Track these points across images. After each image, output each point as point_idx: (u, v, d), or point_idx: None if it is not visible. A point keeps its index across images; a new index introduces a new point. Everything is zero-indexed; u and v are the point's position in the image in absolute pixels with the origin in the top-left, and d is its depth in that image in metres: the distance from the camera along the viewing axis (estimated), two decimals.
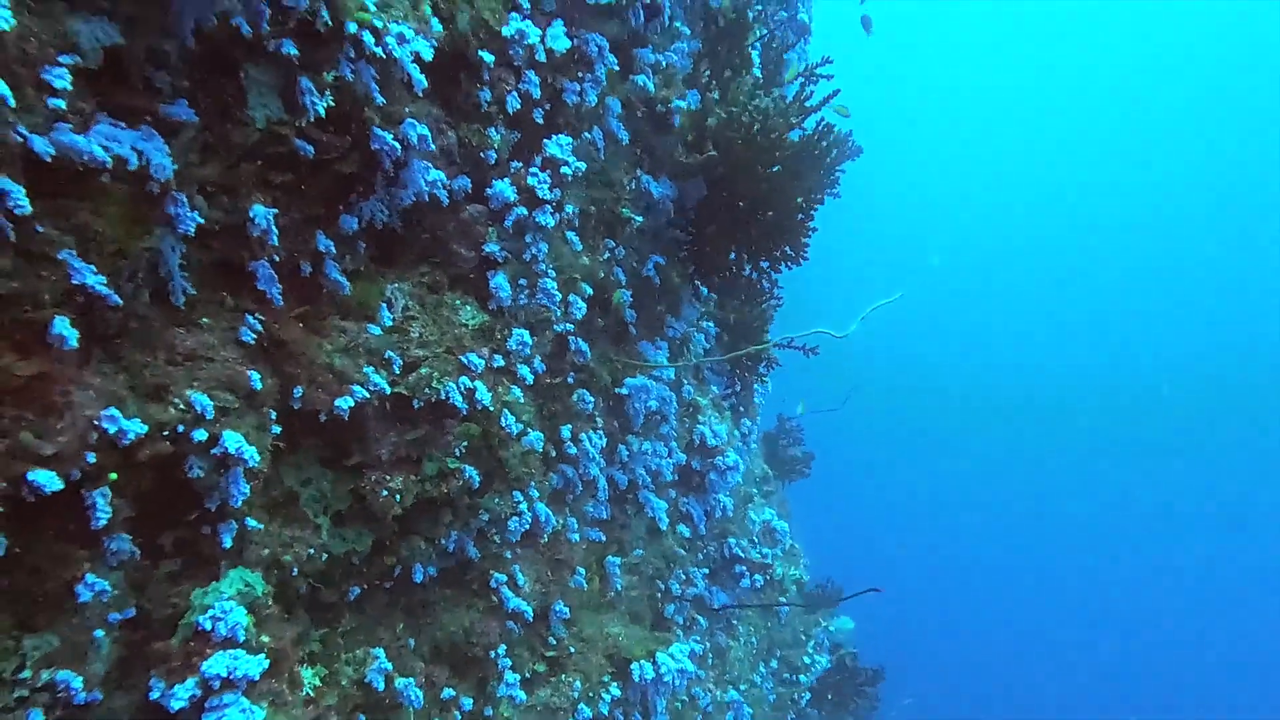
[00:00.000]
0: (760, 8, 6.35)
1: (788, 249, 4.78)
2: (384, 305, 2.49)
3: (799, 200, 4.49)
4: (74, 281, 1.44)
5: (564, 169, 2.86)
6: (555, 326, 3.29)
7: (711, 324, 5.91)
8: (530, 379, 3.07)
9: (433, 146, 2.32)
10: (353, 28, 1.90)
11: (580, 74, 3.01)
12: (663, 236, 4.82)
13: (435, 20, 2.30)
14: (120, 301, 1.53)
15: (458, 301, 2.92)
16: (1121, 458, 31.44)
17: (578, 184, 3.75)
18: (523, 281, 2.99)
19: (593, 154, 3.63)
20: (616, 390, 4.42)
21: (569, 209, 3.16)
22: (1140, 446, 31.64)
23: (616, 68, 3.47)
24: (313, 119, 1.94)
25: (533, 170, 2.83)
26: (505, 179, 2.81)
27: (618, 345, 4.56)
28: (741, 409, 7.08)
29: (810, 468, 10.06)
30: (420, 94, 2.17)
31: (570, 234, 3.34)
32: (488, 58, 2.56)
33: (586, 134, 3.38)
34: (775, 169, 4.35)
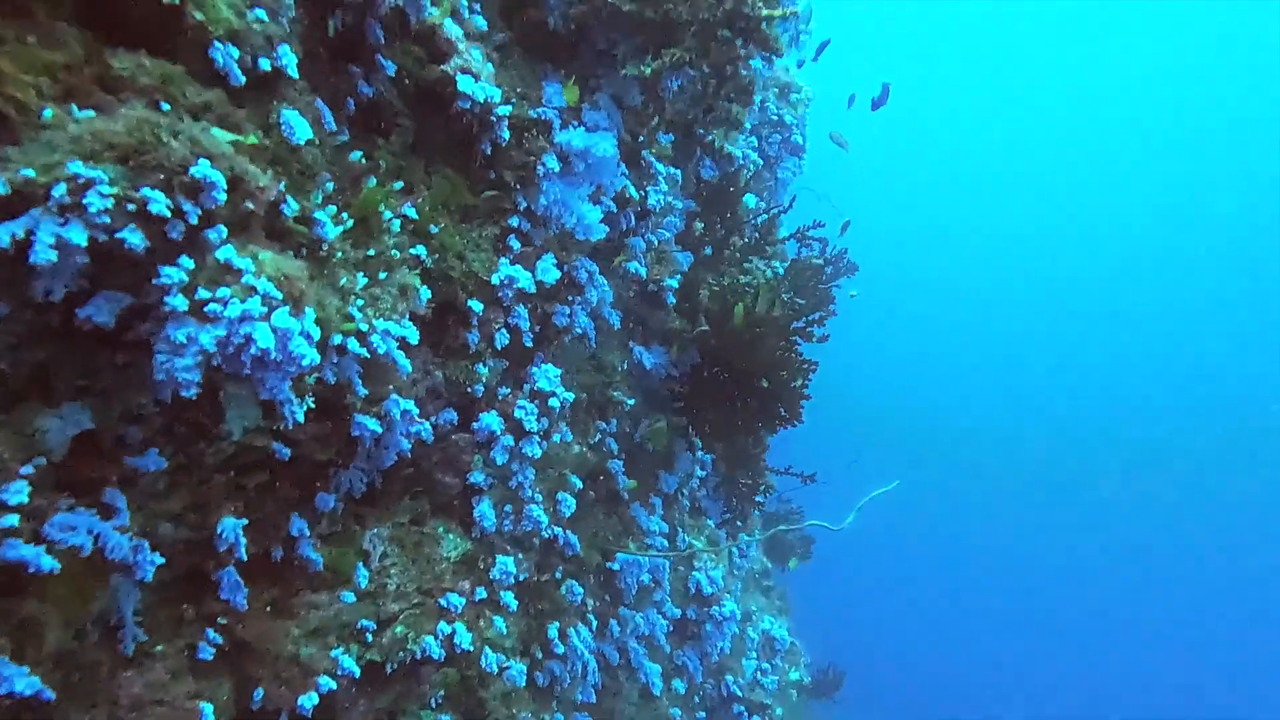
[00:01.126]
0: (755, 161, 6.58)
1: (783, 411, 4.73)
2: (360, 564, 2.39)
3: (794, 369, 4.47)
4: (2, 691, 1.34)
5: (552, 401, 2.83)
6: (543, 533, 3.19)
7: (708, 454, 5.80)
8: (514, 605, 2.93)
9: (416, 415, 2.27)
10: (338, 339, 1.88)
11: (570, 298, 3.03)
12: (656, 394, 4.78)
13: (424, 289, 2.31)
14: (54, 696, 1.43)
15: (441, 529, 2.82)
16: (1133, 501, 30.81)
17: (569, 372, 3.73)
18: (508, 508, 2.90)
19: (584, 345, 3.63)
20: (608, 565, 4.26)
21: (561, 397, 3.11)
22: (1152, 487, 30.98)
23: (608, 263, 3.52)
24: (291, 426, 1.89)
25: (520, 403, 2.79)
26: (492, 410, 2.77)
27: (610, 510, 4.44)
28: (739, 523, 6.90)
29: (811, 552, 9.90)
30: (407, 374, 2.14)
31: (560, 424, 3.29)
32: (477, 306, 2.57)
33: (577, 329, 3.38)
34: (768, 338, 4.35)
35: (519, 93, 2.68)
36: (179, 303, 1.33)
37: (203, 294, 1.35)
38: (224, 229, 1.40)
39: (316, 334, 1.61)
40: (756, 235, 4.98)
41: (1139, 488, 30.85)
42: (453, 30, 2.29)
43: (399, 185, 2.31)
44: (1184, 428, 33.00)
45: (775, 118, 8.14)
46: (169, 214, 1.30)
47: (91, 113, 1.35)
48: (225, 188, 1.36)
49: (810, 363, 4.45)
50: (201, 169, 1.32)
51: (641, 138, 3.13)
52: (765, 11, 2.28)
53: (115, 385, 1.49)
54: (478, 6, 2.53)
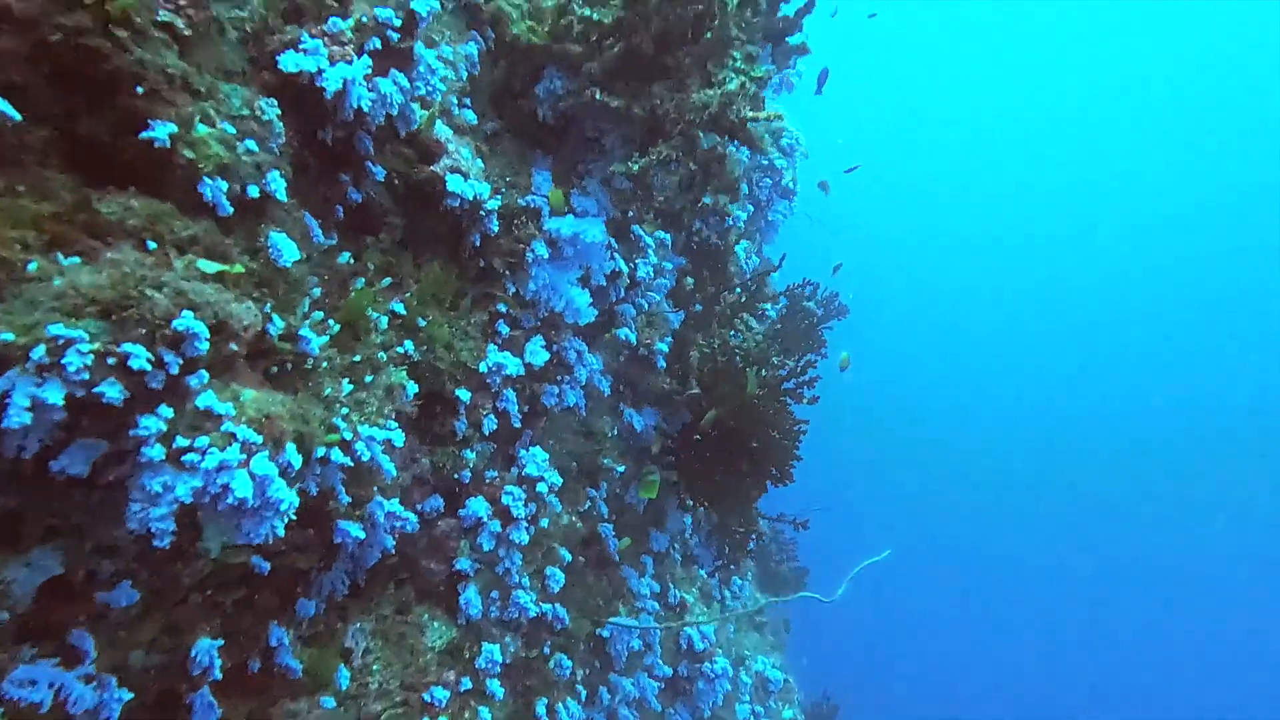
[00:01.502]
0: (743, 218, 6.65)
1: (774, 470, 4.71)
2: (341, 665, 2.33)
3: (785, 430, 4.47)
4: None
5: (540, 486, 2.80)
6: (531, 612, 3.13)
7: (700, 509, 5.75)
8: (501, 693, 2.87)
9: (401, 513, 2.24)
10: (321, 451, 1.86)
11: (560, 377, 3.02)
12: (648, 450, 4.76)
13: (411, 385, 2.30)
14: None
15: (425, 616, 2.77)
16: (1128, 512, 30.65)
17: (557, 438, 3.71)
18: (495, 594, 2.86)
19: (574, 415, 3.62)
20: (598, 631, 4.19)
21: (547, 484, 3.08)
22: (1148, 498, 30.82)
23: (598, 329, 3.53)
24: (270, 541, 1.86)
25: (508, 489, 2.77)
26: (479, 496, 2.74)
27: (600, 572, 4.38)
28: (732, 566, 6.83)
29: (806, 582, 9.83)
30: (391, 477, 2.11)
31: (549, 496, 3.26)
32: (464, 395, 2.56)
33: (568, 401, 3.37)
34: (759, 399, 4.35)
35: (508, 181, 2.71)
36: (156, 453, 1.31)
37: (181, 442, 1.33)
38: (205, 374, 1.39)
39: (297, 464, 1.60)
40: (747, 293, 5.01)
41: (1140, 505, 30.76)
42: (442, 131, 2.31)
43: (387, 282, 2.32)
44: (1182, 433, 32.84)
45: (766, 162, 8.26)
46: (150, 367, 1.29)
47: (78, 259, 1.35)
48: (208, 336, 1.35)
49: (800, 423, 4.45)
50: (184, 321, 1.32)
51: (631, 212, 3.16)
52: (750, 114, 2.32)
53: (88, 522, 1.47)
54: (468, 101, 2.57)
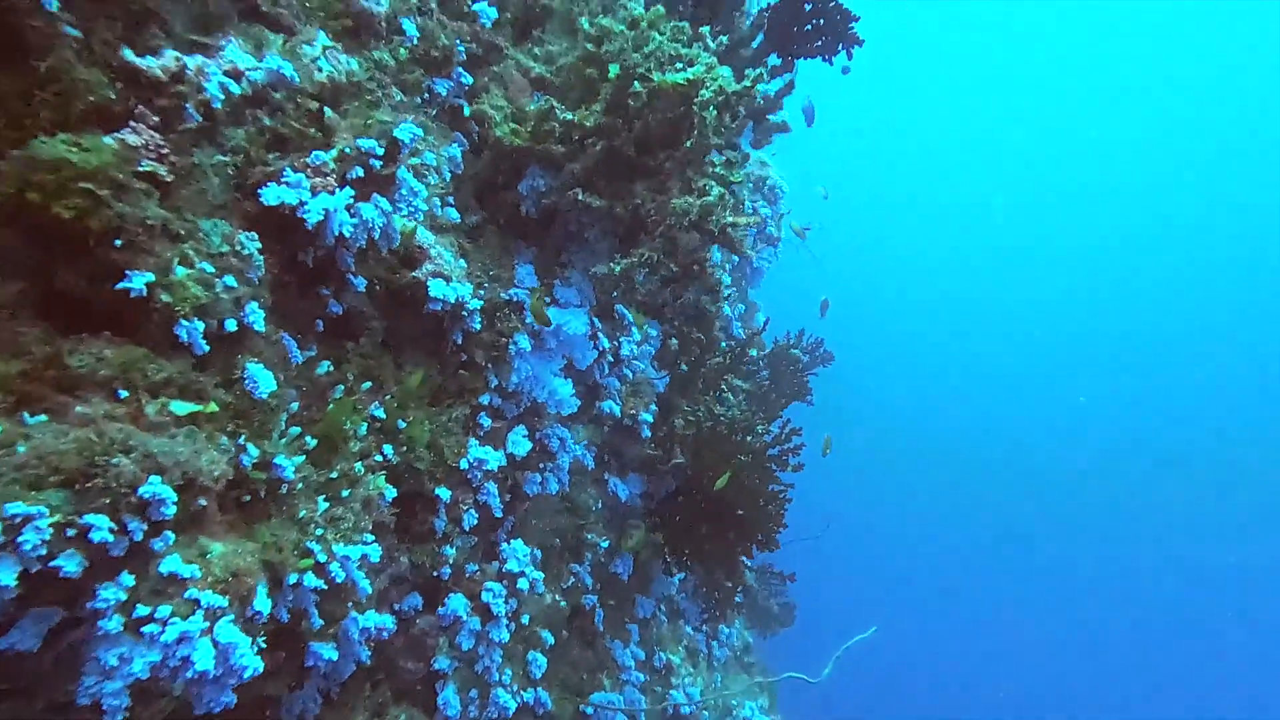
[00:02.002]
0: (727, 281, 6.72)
1: (760, 536, 4.68)
2: None
3: (769, 496, 4.45)
4: None
5: (521, 582, 2.76)
6: (511, 710, 3.05)
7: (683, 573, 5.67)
8: None
9: (381, 626, 2.19)
10: (293, 578, 1.82)
11: (542, 465, 3.00)
12: (635, 511, 4.71)
13: (390, 489, 2.27)
14: None
15: (403, 718, 2.69)
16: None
17: (540, 517, 3.66)
18: (474, 693, 2.78)
19: (557, 496, 3.58)
20: (582, 708, 4.09)
21: (527, 562, 3.03)
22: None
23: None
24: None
25: (489, 585, 2.72)
26: (458, 593, 2.69)
27: (585, 644, 4.30)
28: (720, 614, 6.73)
29: (794, 617, 9.71)
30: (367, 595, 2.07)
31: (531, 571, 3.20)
32: (444, 494, 2.53)
33: (550, 488, 3.33)
34: (744, 465, 4.34)
35: (491, 274, 2.72)
36: (114, 625, 1.27)
37: (141, 611, 1.30)
38: (171, 535, 1.36)
39: (267, 609, 1.56)
40: (732, 356, 5.04)
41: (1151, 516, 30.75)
42: (424, 237, 2.33)
43: (367, 386, 2.30)
44: (1187, 439, 32.98)
45: (750, 210, 8.39)
46: (112, 538, 1.26)
47: (45, 417, 1.33)
48: (175, 500, 1.33)
49: (786, 489, 4.44)
50: (151, 487, 1.29)
51: (615, 294, 3.18)
52: (731, 219, 2.37)
53: (40, 684, 1.41)
54: (451, 199, 2.59)
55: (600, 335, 3.45)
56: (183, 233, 1.57)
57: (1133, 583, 28.99)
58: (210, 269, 1.60)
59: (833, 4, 3.71)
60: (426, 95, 2.46)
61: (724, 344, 5.03)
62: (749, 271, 8.72)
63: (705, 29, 2.43)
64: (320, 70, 1.94)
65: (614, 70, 2.36)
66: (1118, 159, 38.60)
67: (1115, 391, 35.06)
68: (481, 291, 2.64)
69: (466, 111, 2.59)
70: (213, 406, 1.59)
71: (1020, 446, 33.29)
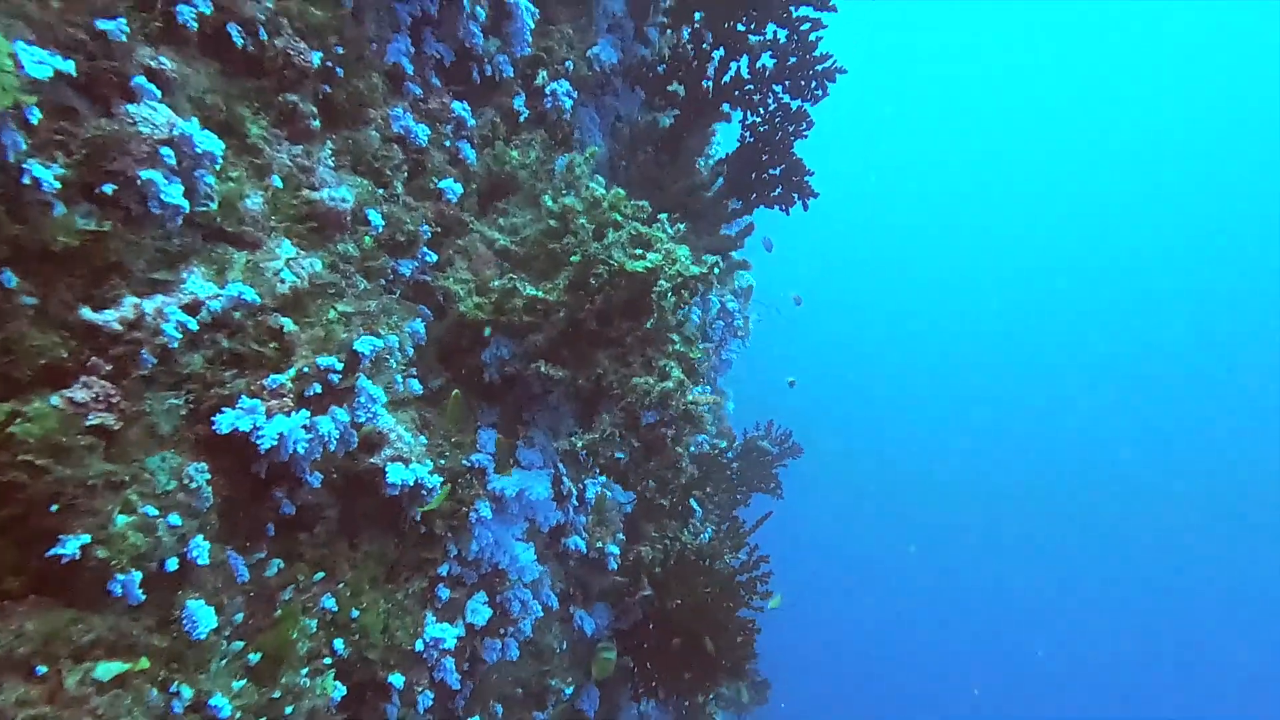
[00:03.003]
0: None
1: (728, 665, 4.55)
2: None
3: (738, 625, 4.37)
4: None
5: None
6: None
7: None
8: None
9: None
10: None
11: (503, 629, 2.91)
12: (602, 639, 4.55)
13: (339, 686, 2.16)
14: None
15: None
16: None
17: (501, 672, 3.51)
18: None
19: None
20: None
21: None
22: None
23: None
24: None
25: None
26: None
27: None
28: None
29: (768, 696, 9.38)
30: None
31: None
32: (398, 681, 2.42)
33: (511, 654, 3.20)
34: (712, 595, 4.27)
35: (453, 441, 2.71)
36: None
37: None
38: None
39: None
40: (697, 474, 5.04)
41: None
42: (384, 422, 2.32)
43: (320, 576, 2.23)
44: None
45: (718, 305, 8.59)
46: None
47: None
48: None
49: (753, 621, 4.37)
50: None
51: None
52: (692, 398, 2.42)
53: None
54: (414, 371, 2.61)
55: (565, 479, 3.44)
56: (127, 479, 1.54)
57: (1121, 601, 28.82)
58: (154, 511, 1.56)
59: (792, 157, 3.95)
60: (391, 276, 2.52)
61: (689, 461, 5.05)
62: (718, 363, 8.87)
63: (664, 216, 2.56)
64: (283, 282, 1.97)
65: (575, 259, 2.45)
66: (1088, 178, 39.77)
67: (1097, 406, 35.38)
68: (442, 460, 2.62)
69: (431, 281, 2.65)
70: (143, 663, 1.52)
71: (985, 468, 33.42)
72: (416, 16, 2.69)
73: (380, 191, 2.46)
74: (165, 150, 1.59)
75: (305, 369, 1.83)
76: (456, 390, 2.72)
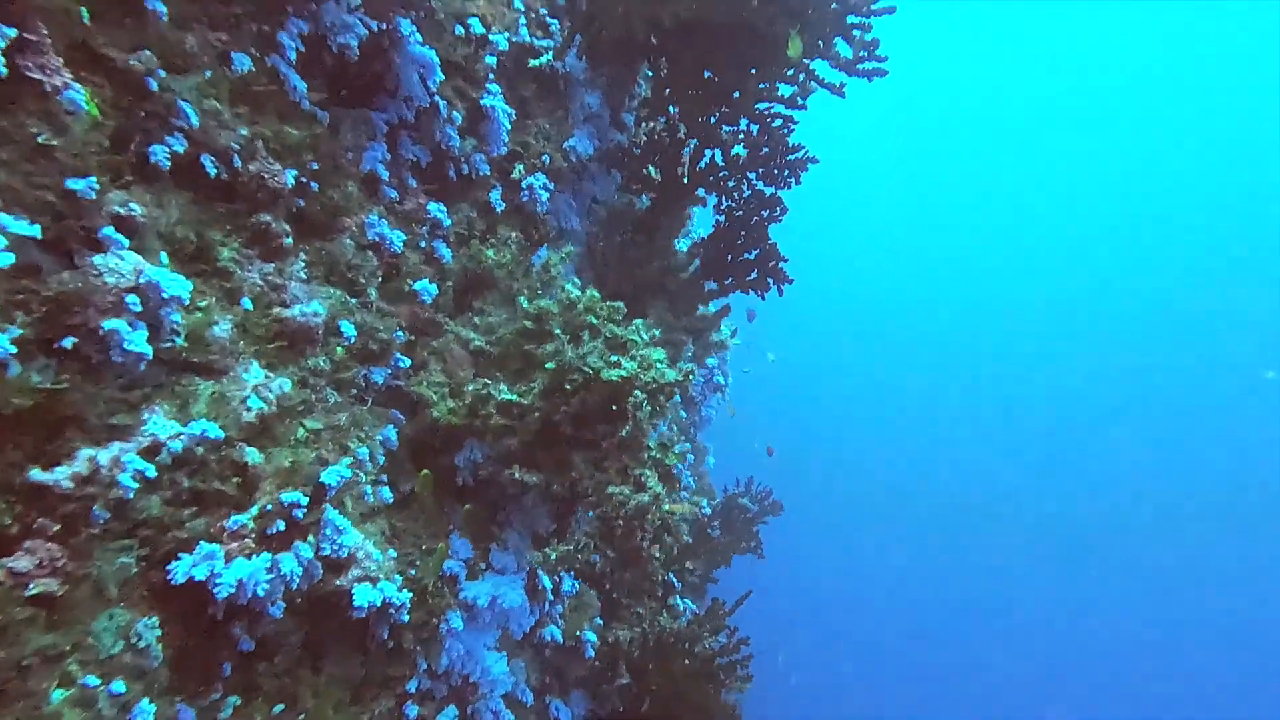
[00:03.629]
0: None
1: None
2: None
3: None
4: None
5: None
6: None
7: None
8: None
9: None
10: None
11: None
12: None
13: None
14: None
15: None
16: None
17: None
18: None
19: None
20: None
21: None
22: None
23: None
24: None
25: None
26: None
27: None
28: None
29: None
30: None
31: None
32: None
33: None
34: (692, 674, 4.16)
35: (424, 548, 2.64)
36: None
37: None
38: None
39: None
40: (675, 550, 4.96)
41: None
42: (352, 540, 2.25)
43: (280, 709, 2.12)
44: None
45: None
46: None
47: None
48: None
49: (735, 705, 4.26)
50: None
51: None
52: (668, 508, 2.40)
53: None
54: (385, 478, 2.55)
55: (541, 574, 3.36)
56: (68, 648, 1.46)
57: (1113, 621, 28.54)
58: (95, 681, 1.48)
59: (767, 241, 4.03)
60: (364, 385, 2.48)
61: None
62: (697, 419, 8.87)
63: (639, 322, 2.58)
64: (249, 410, 1.93)
65: (550, 366, 2.45)
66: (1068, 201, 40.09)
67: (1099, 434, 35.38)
68: (412, 571, 2.55)
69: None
70: None
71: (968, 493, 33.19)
72: (394, 124, 2.73)
73: (353, 301, 2.45)
74: (131, 298, 1.56)
75: (269, 506, 1.78)
76: (426, 471, 2.63)
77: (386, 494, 2.54)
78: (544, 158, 3.46)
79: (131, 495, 1.57)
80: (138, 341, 1.57)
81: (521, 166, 3.36)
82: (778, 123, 3.66)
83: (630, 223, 4.28)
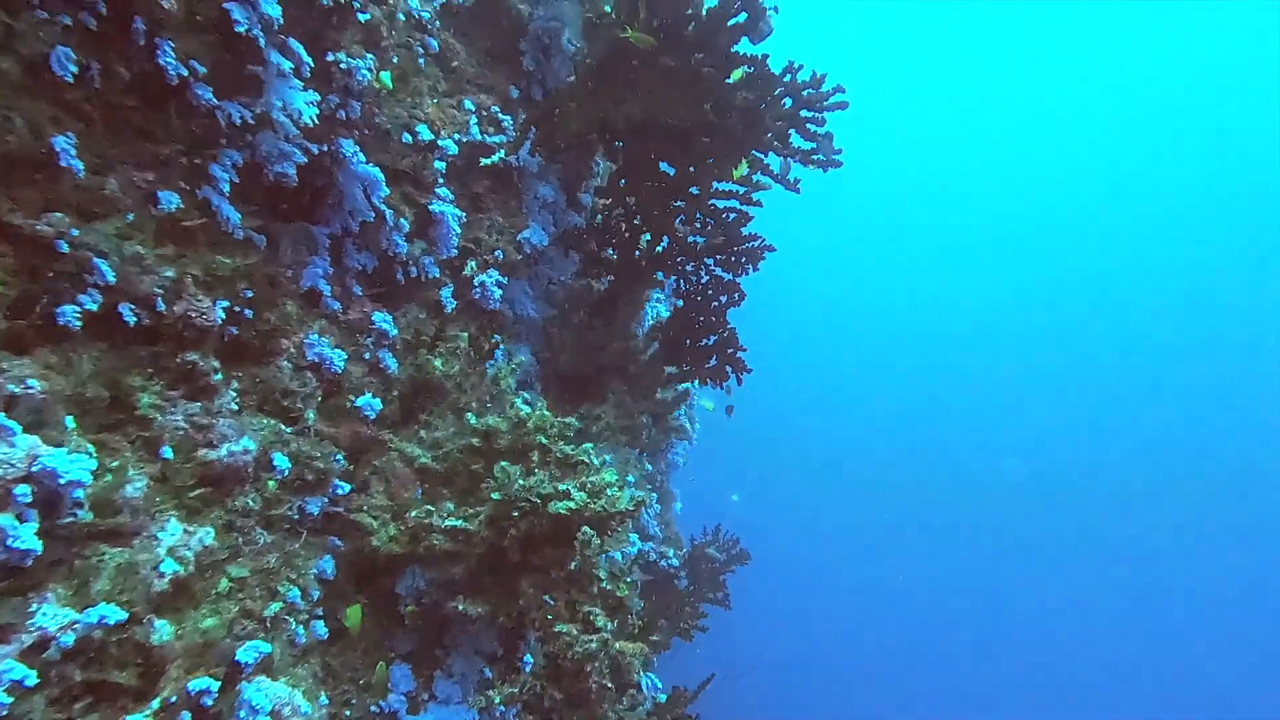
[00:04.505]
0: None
1: None
2: None
3: None
4: None
5: None
6: None
7: None
8: None
9: None
10: None
11: None
12: None
13: None
14: None
15: None
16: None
17: None
18: None
19: None
20: None
21: None
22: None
23: None
24: None
25: None
26: None
27: None
28: None
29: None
30: None
31: None
32: None
33: None
34: None
35: (361, 683, 2.50)
36: None
37: None
38: None
39: None
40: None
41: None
42: (279, 693, 2.11)
43: None
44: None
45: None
46: None
47: None
48: None
49: None
50: None
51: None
52: (619, 648, 2.32)
53: None
54: (320, 611, 2.41)
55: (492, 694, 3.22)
56: None
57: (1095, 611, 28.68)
58: None
59: (725, 328, 4.03)
60: (298, 516, 2.36)
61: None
62: (665, 467, 8.81)
63: (589, 445, 2.52)
64: (162, 576, 1.80)
65: (496, 496, 2.37)
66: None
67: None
68: (348, 712, 2.40)
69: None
70: None
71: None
72: (337, 235, 2.65)
73: (288, 431, 2.34)
74: (20, 489, 1.44)
75: (173, 698, 1.64)
76: (355, 606, 2.51)
77: (321, 629, 2.40)
78: (497, 253, 3.41)
79: (6, 710, 1.43)
80: (25, 536, 1.45)
81: (474, 263, 3.31)
82: (732, 216, 3.70)
83: (587, 304, 4.25)
